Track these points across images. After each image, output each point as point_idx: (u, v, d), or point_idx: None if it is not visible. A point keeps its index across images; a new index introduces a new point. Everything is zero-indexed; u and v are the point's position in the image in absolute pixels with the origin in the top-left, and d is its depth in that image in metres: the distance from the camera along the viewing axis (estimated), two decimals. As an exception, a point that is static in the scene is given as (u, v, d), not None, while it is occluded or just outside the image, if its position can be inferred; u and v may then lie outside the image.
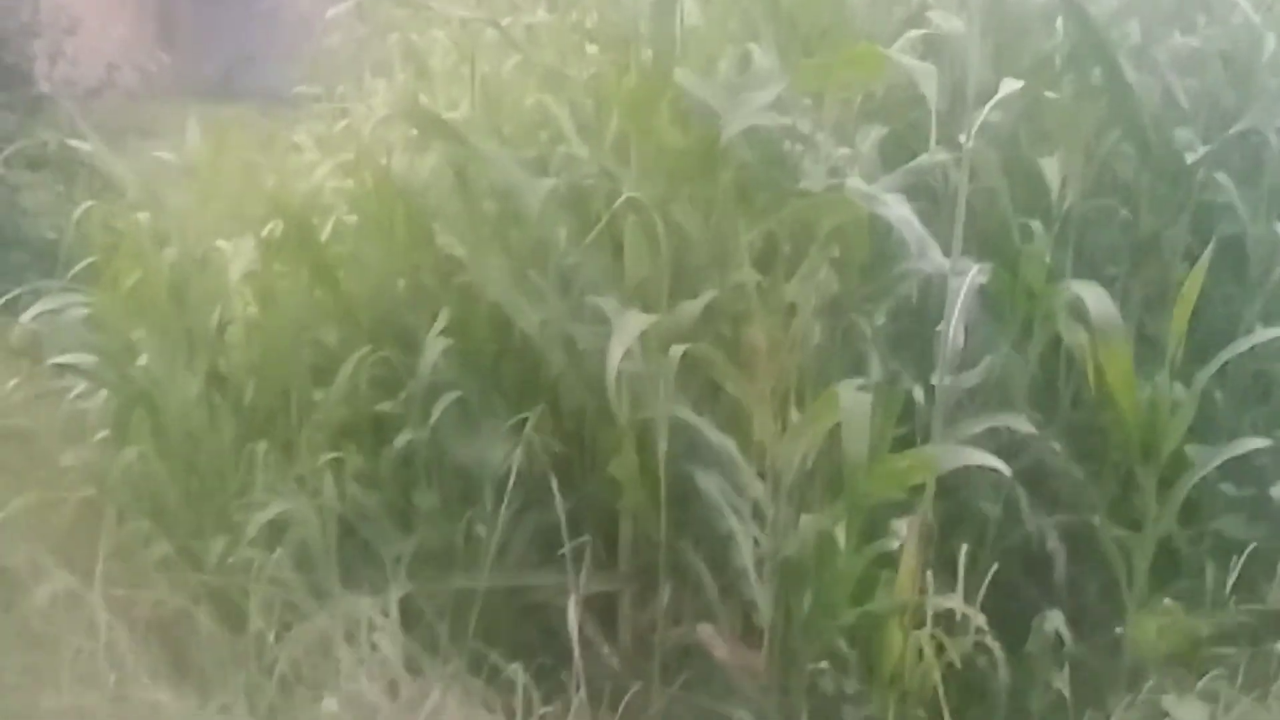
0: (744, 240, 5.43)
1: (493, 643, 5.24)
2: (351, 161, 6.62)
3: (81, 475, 6.52)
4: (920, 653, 5.08)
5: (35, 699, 4.80)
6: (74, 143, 7.24)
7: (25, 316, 6.95)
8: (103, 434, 6.61)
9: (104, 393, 6.64)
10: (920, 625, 5.11)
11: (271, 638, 5.06)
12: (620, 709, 5.10)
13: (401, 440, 5.87)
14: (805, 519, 5.26)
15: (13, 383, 7.21)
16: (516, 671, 4.97)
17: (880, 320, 5.60)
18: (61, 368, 6.88)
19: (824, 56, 5.55)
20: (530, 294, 5.72)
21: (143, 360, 6.34)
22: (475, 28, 6.48)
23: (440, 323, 5.86)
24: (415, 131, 6.23)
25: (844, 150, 5.60)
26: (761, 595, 5.27)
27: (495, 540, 5.54)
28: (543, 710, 4.85)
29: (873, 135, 5.74)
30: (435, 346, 5.80)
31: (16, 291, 7.11)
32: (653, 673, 5.38)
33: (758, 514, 5.31)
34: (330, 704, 4.79)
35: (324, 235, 6.37)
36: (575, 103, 5.97)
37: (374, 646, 4.90)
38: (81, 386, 6.81)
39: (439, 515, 5.80)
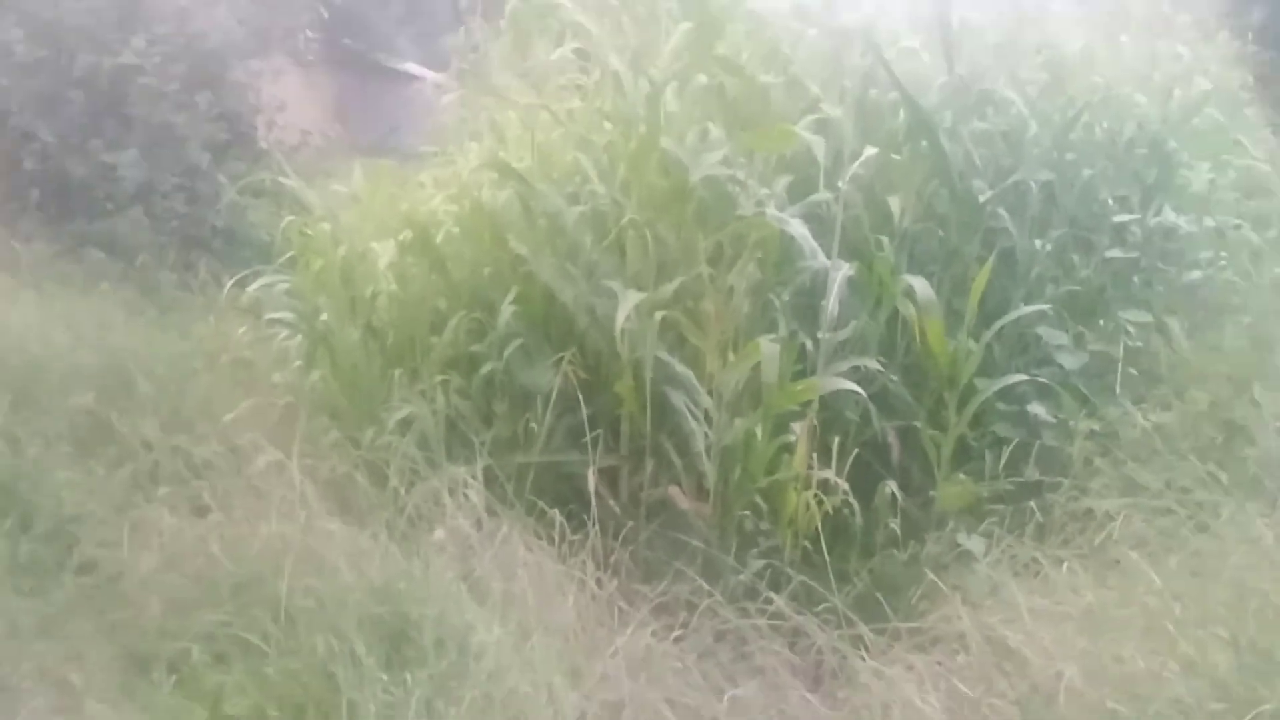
0: (701, 246, 5.51)
1: (540, 496, 5.30)
2: (456, 194, 6.66)
3: (284, 389, 6.57)
4: (807, 505, 5.17)
5: (256, 529, 4.85)
6: (282, 179, 7.26)
7: (251, 288, 7.03)
8: (297, 363, 6.67)
9: (299, 337, 6.69)
10: (808, 488, 5.21)
11: (403, 491, 5.11)
12: (619, 538, 5.18)
13: (485, 369, 5.91)
14: (738, 421, 5.34)
15: (242, 330, 7.23)
16: (555, 515, 5.03)
17: (786, 297, 5.66)
18: (273, 321, 6.94)
19: (754, 131, 5.63)
20: (567, 278, 5.81)
21: (323, 317, 6.41)
22: (534, 110, 6.50)
23: (510, 296, 5.91)
24: (496, 175, 6.26)
25: (765, 190, 5.66)
26: (709, 468, 5.37)
27: (543, 432, 5.61)
28: (571, 538, 4.91)
29: (783, 181, 5.79)
30: (507, 311, 5.86)
31: (245, 272, 7.18)
32: (640, 516, 5.44)
33: (708, 418, 5.40)
34: (439, 533, 4.86)
35: (438, 239, 6.42)
36: (596, 158, 6.02)
37: (466, 497, 4.95)
38: (285, 333, 6.85)
39: (507, 417, 5.84)
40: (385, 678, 3.85)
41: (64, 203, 10.04)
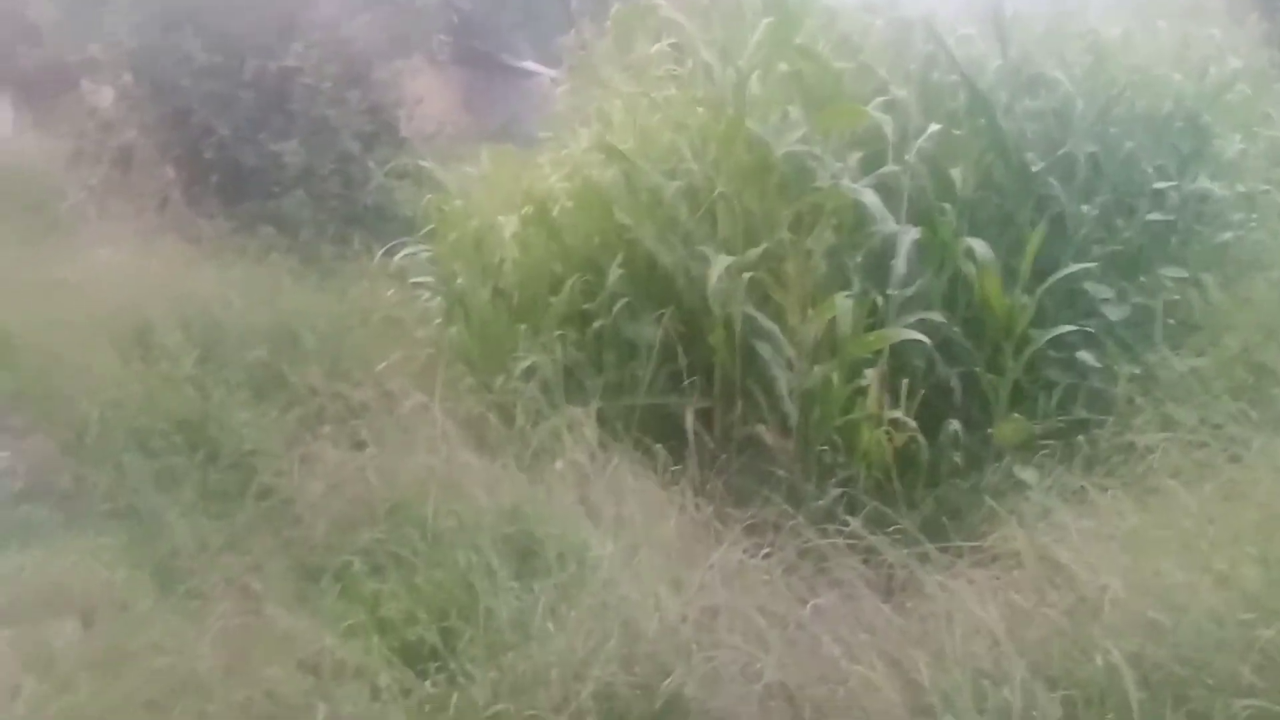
0: (783, 215, 5.45)
1: (645, 433, 5.30)
2: (569, 173, 6.65)
3: (427, 342, 6.66)
4: (879, 441, 5.11)
5: (405, 460, 4.93)
6: (422, 163, 7.32)
7: (397, 257, 7.12)
8: (437, 320, 6.76)
9: (438, 298, 6.76)
10: (880, 426, 5.14)
11: (529, 429, 5.16)
12: (714, 469, 5.17)
13: (596, 324, 5.93)
14: (817, 368, 5.29)
15: (390, 292, 7.32)
16: (658, 449, 5.04)
17: (859, 259, 5.57)
18: (416, 284, 7.02)
19: (829, 112, 5.55)
20: (666, 245, 5.79)
21: (459, 280, 6.48)
22: (636, 98, 6.47)
23: (617, 260, 5.91)
24: (604, 156, 6.24)
25: (839, 164, 5.56)
26: (791, 409, 5.33)
27: (647, 379, 5.62)
28: (672, 469, 4.91)
29: (856, 156, 5.68)
30: (614, 274, 5.86)
31: (392, 244, 7.28)
32: (731, 450, 5.43)
33: (790, 365, 5.35)
34: (559, 464, 4.89)
35: (554, 213, 6.43)
36: (690, 139, 5.97)
37: (582, 434, 4.97)
38: (426, 295, 6.93)
39: (616, 365, 5.86)
40: (516, 586, 3.90)
41: (238, 186, 10.23)
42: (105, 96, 11.67)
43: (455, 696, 3.38)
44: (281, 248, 8.60)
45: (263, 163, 10.33)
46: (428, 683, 3.48)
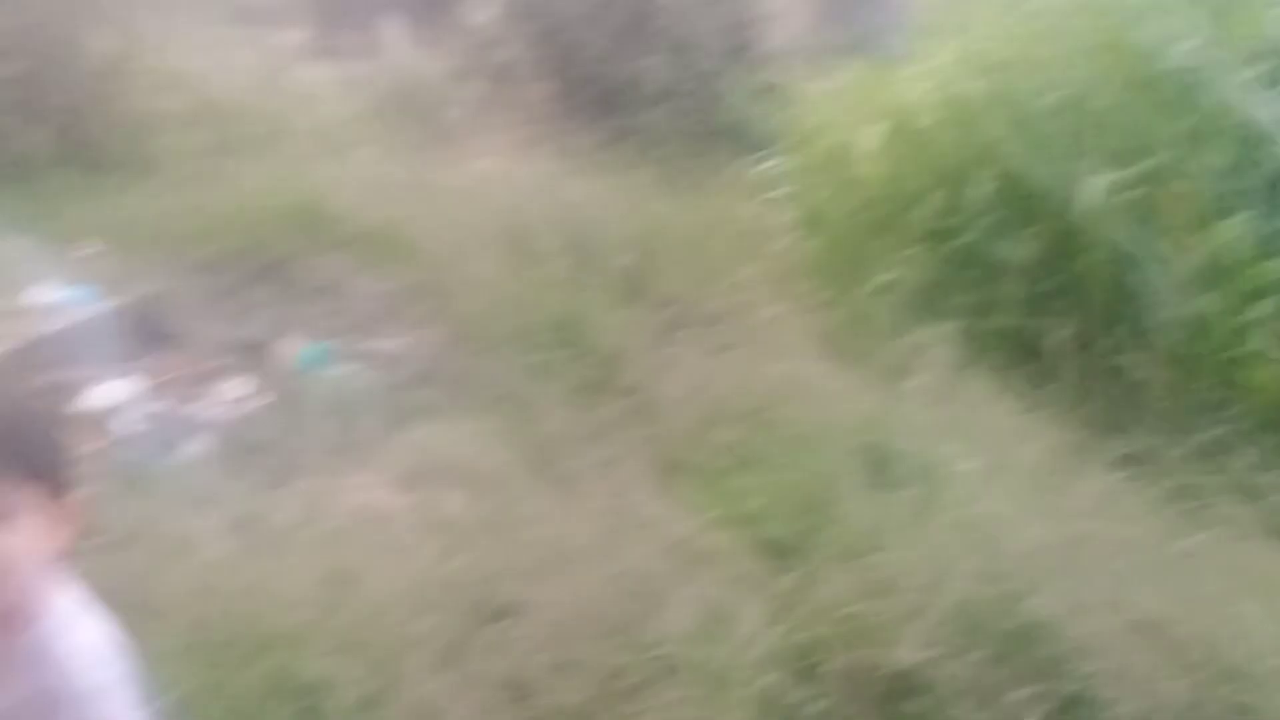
0: (1169, 132, 5.08)
1: (1007, 355, 5.14)
2: (933, 86, 6.43)
3: (784, 255, 6.67)
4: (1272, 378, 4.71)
5: (762, 367, 5.01)
6: (781, 79, 7.30)
7: (755, 171, 7.18)
8: (795, 233, 6.75)
9: (795, 212, 6.77)
10: (1269, 363, 4.73)
11: (885, 343, 5.12)
12: (1080, 395, 4.92)
13: (958, 241, 5.74)
14: (1200, 298, 4.92)
15: (752, 205, 7.36)
16: (1021, 372, 4.87)
17: (1252, 183, 5.09)
18: (773, 198, 7.05)
19: (1227, 20, 5.08)
20: (1037, 161, 5.52)
21: (818, 194, 6.45)
22: (1008, 7, 6.17)
23: (983, 176, 5.69)
24: (972, 68, 6.00)
25: (1234, 78, 5.09)
26: (1169, 340, 4.99)
27: (1010, 299, 5.41)
28: (1036, 392, 4.72)
29: (1253, 70, 5.18)
30: (979, 190, 5.65)
31: (752, 158, 7.33)
32: (1101, 378, 5.11)
33: (1170, 293, 5.00)
34: (915, 381, 4.83)
35: (917, 127, 6.25)
36: (1068, 49, 5.64)
37: (939, 353, 4.89)
38: (784, 208, 6.94)
39: (978, 284, 5.65)
40: (871, 494, 3.91)
41: (607, 101, 10.55)
42: (487, 14, 12.33)
43: (813, 592, 3.44)
44: (646, 161, 8.83)
45: (629, 79, 10.61)
46: (786, 577, 3.56)
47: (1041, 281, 5.31)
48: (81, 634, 1.64)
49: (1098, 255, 5.15)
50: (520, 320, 6.09)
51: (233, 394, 5.83)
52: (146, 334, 6.32)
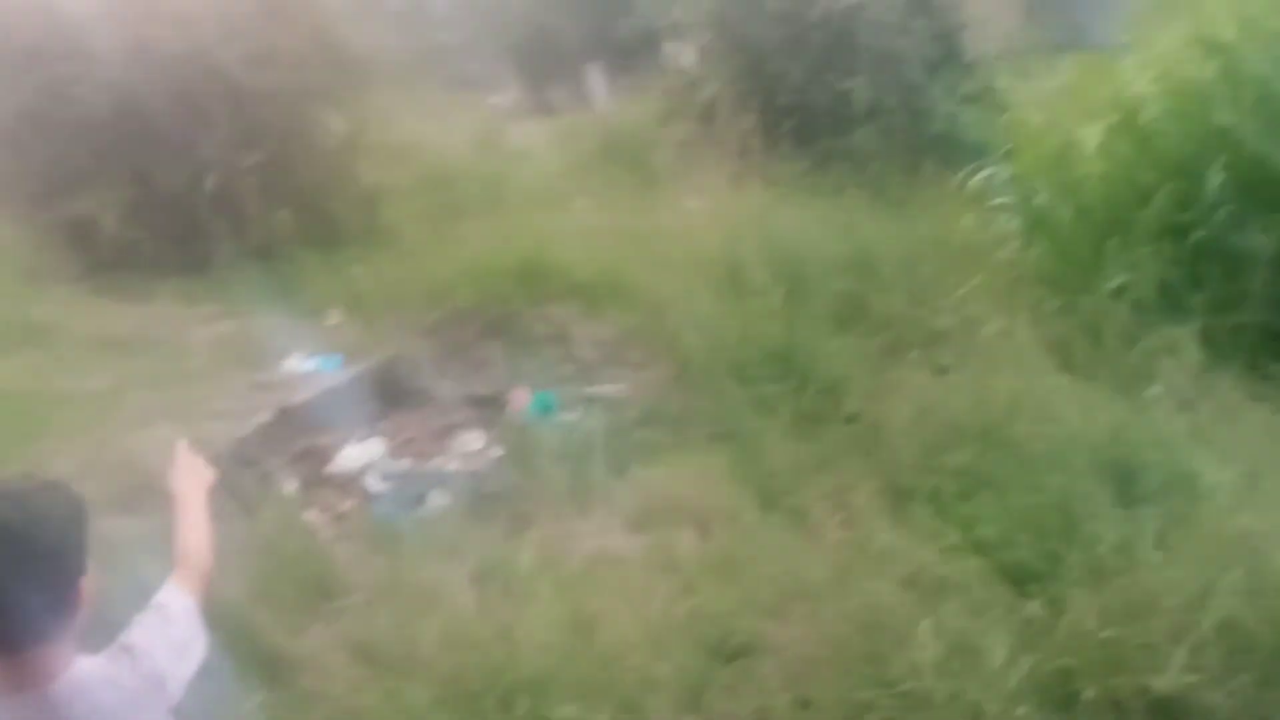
0: None
1: (1258, 353, 4.79)
2: (1158, 75, 6.11)
3: (1007, 265, 6.45)
4: None
5: (991, 384, 4.85)
6: (993, 84, 7.09)
7: (973, 181, 6.99)
8: (1017, 242, 6.52)
9: (1017, 219, 6.53)
10: None
11: (1122, 350, 4.88)
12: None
13: (1194, 236, 5.43)
14: None
15: (966, 217, 7.12)
16: (1275, 370, 4.53)
17: None
18: (994, 207, 6.83)
19: None
20: (1278, 143, 5.15)
21: (1039, 199, 6.21)
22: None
23: (1218, 164, 5.35)
24: (1200, 50, 5.67)
25: None
26: None
27: (1258, 293, 5.06)
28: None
29: None
30: (1216, 179, 5.32)
31: (967, 169, 7.14)
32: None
33: None
34: (1158, 387, 4.58)
35: (1143, 119, 5.94)
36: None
37: (1182, 355, 4.61)
38: (1004, 217, 6.71)
39: (1219, 279, 5.33)
40: (1118, 512, 3.72)
41: (810, 126, 10.52)
42: (688, 56, 12.51)
43: (1061, 620, 3.29)
44: (854, 183, 8.73)
45: (832, 101, 10.53)
46: (1031, 604, 3.42)
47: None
48: (99, 695, 1.86)
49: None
50: (740, 355, 6.11)
51: (470, 447, 6.09)
52: (388, 395, 6.71)
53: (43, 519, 1.77)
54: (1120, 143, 6.01)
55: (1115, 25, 8.47)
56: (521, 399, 6.48)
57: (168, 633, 2.04)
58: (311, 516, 5.23)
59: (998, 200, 6.70)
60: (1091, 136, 6.09)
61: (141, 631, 2.01)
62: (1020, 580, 3.62)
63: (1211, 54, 5.59)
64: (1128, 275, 5.42)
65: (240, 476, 5.20)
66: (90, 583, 1.84)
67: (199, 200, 8.90)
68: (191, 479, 2.42)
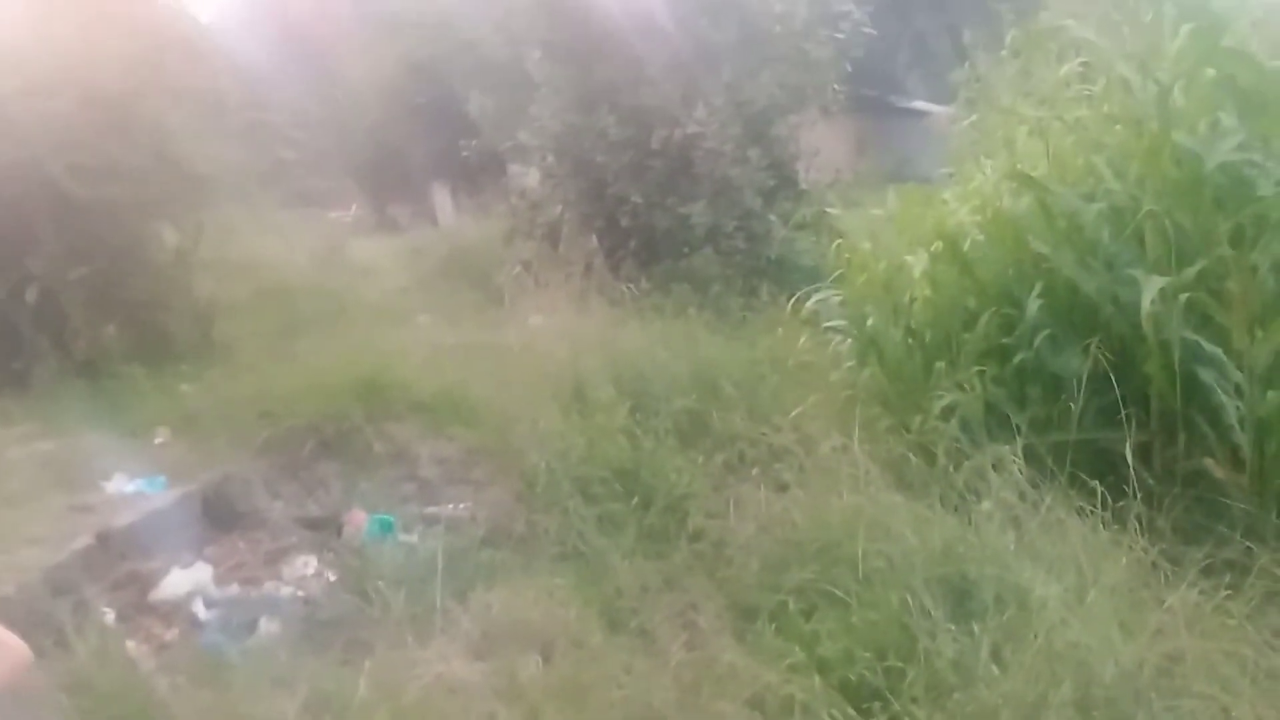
0: (1221, 230, 5.00)
1: (1078, 470, 4.98)
2: (978, 206, 6.47)
3: (841, 385, 6.65)
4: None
5: (829, 501, 4.92)
6: (827, 210, 7.39)
7: (808, 304, 7.20)
8: (850, 363, 6.73)
9: (850, 341, 6.74)
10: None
11: (952, 468, 5.01)
12: (1159, 506, 4.77)
13: (1016, 359, 5.66)
14: (1271, 394, 4.78)
15: (802, 339, 7.40)
16: (1095, 485, 4.72)
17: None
18: (828, 329, 7.04)
19: (1270, 116, 5.05)
20: (1089, 271, 5.47)
21: (870, 322, 6.43)
22: (1045, 122, 6.19)
23: (1035, 291, 5.64)
24: (1014, 185, 6.02)
25: (1284, 170, 5.04)
26: (1244, 440, 4.84)
27: (1077, 413, 5.30)
28: (1114, 506, 4.57)
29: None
30: (1033, 305, 5.59)
31: (800, 292, 7.37)
32: (1176, 486, 4.99)
33: (1239, 392, 4.87)
34: (987, 504, 4.70)
35: (965, 247, 6.25)
36: (1109, 158, 5.63)
37: (1009, 473, 4.77)
38: (838, 339, 6.93)
39: (1041, 400, 5.57)
40: (954, 628, 3.78)
41: (652, 249, 10.79)
42: (532, 178, 12.72)
43: (903, 737, 3.30)
44: (695, 304, 8.93)
45: (673, 225, 10.84)
46: (873, 722, 3.43)
47: (1105, 392, 5.20)
48: None
49: (1160, 361, 5.04)
50: (585, 472, 6.08)
51: (303, 571, 5.85)
52: (216, 517, 6.41)
53: None
54: (945, 269, 6.29)
55: (938, 159, 8.99)
56: (358, 520, 6.27)
57: None
58: (133, 647, 4.91)
59: (831, 322, 6.92)
60: (917, 263, 6.37)
61: None
62: (862, 698, 3.63)
63: (1025, 188, 5.93)
64: (956, 395, 5.61)
65: (54, 607, 4.86)
66: None
67: (20, 313, 8.50)
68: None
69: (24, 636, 2.72)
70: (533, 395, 7.02)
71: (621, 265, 10.36)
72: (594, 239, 10.49)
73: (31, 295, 8.52)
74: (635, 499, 5.81)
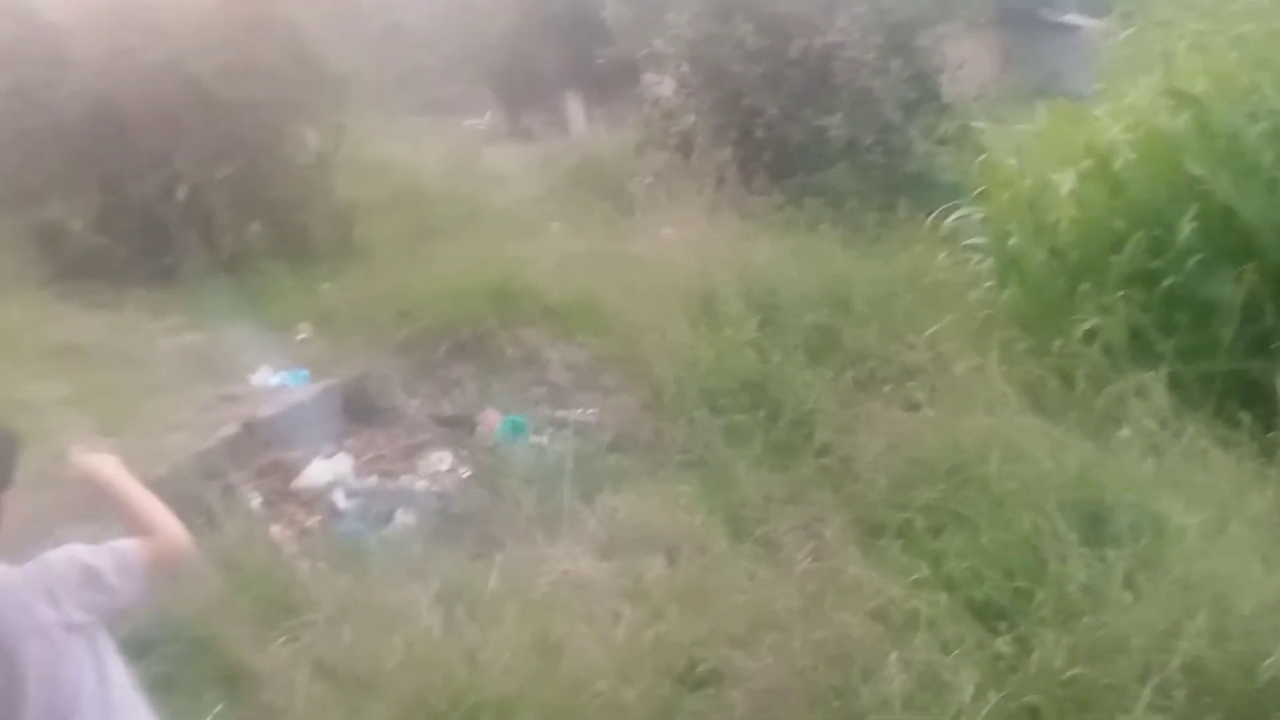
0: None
1: (1226, 399, 4.84)
2: (1131, 124, 6.21)
3: (979, 305, 6.50)
4: None
5: (962, 421, 4.87)
6: (973, 124, 7.18)
7: (948, 221, 7.06)
8: (989, 283, 6.58)
9: (990, 260, 6.60)
10: None
11: (1092, 393, 4.91)
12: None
13: (1165, 283, 5.49)
14: None
15: (940, 256, 7.24)
16: (1243, 416, 4.58)
17: None
18: (967, 247, 6.89)
19: None
20: (1247, 194, 5.24)
21: (1012, 241, 6.27)
22: (1207, 36, 5.90)
23: (1189, 214, 5.43)
24: (1172, 102, 5.77)
25: None
26: None
27: (1227, 341, 5.12)
28: (1264, 437, 4.43)
29: None
30: (1186, 228, 5.40)
31: (940, 208, 7.22)
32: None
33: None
34: (1127, 431, 4.60)
35: (1116, 166, 6.02)
36: (1275, 76, 5.35)
37: (1151, 400, 4.65)
38: (977, 257, 6.78)
39: (1189, 327, 5.38)
40: (1085, 552, 3.73)
41: (787, 162, 10.63)
42: (666, 87, 12.60)
43: (1029, 657, 3.30)
44: (829, 218, 8.80)
45: (808, 138, 10.65)
46: (999, 640, 3.42)
47: (1257, 321, 5.01)
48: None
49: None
50: (712, 383, 6.13)
51: (437, 467, 6.05)
52: (355, 412, 6.66)
53: None
54: (1093, 189, 6.09)
55: (1089, 75, 8.63)
56: (491, 420, 6.45)
57: (85, 559, 2.18)
58: (276, 531, 5.17)
59: (971, 241, 6.77)
60: (1065, 182, 6.17)
61: (61, 551, 2.18)
62: (988, 617, 3.62)
63: (1183, 106, 5.68)
64: (1099, 319, 5.46)
65: (204, 490, 5.14)
66: (11, 500, 2.00)
67: (170, 210, 8.85)
68: (102, 464, 2.43)
69: (177, 517, 2.89)
70: (662, 306, 7.06)
71: (754, 178, 10.23)
72: (727, 150, 10.37)
73: (181, 193, 8.85)
74: (762, 412, 5.84)
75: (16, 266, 8.72)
